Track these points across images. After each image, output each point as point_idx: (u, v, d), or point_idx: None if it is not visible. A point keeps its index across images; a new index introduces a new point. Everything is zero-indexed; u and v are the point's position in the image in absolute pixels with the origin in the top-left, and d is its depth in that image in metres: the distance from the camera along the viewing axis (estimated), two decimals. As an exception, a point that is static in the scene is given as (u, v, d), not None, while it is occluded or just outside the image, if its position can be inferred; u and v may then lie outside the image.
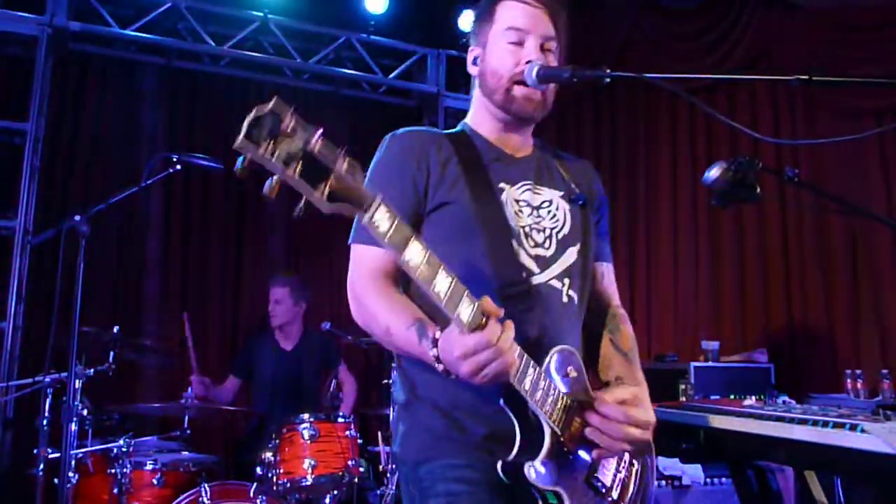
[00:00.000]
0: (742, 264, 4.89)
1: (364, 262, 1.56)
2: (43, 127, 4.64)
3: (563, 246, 1.62)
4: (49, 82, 4.70)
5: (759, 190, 1.83)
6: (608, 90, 5.56)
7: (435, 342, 1.33)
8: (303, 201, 1.11)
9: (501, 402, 1.41)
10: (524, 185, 1.65)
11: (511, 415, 1.42)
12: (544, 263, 1.59)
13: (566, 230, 1.64)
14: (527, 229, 1.59)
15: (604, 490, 1.51)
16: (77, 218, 3.06)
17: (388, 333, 1.46)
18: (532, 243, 1.59)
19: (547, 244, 1.60)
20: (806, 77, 1.38)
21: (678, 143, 5.30)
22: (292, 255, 5.45)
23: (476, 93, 1.73)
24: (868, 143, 4.40)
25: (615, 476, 1.54)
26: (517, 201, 1.61)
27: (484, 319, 1.24)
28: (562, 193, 1.69)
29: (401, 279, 1.57)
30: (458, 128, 1.75)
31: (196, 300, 5.12)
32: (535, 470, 1.38)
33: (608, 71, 1.52)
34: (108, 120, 5.06)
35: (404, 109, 6.01)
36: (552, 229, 1.63)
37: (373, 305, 1.50)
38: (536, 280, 1.56)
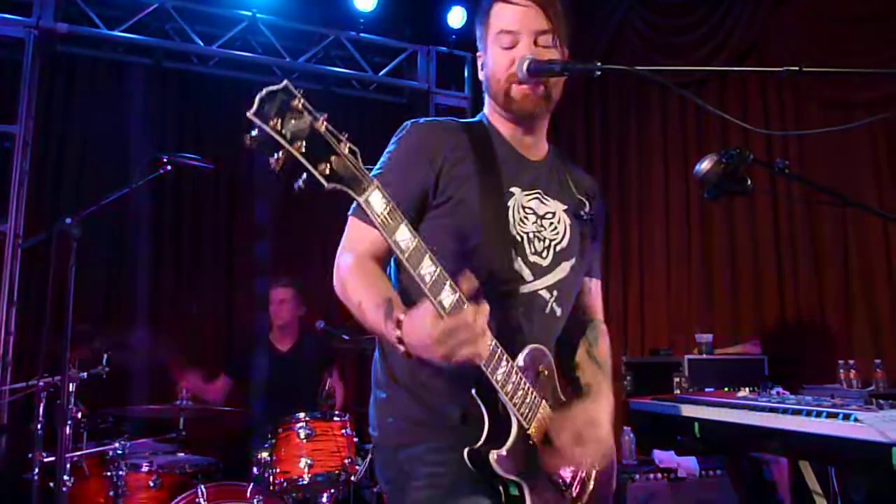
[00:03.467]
0: (734, 257, 4.90)
1: (356, 237, 1.57)
2: (31, 130, 4.62)
3: (558, 259, 1.65)
4: (37, 85, 4.66)
5: (749, 182, 1.84)
6: (599, 85, 5.57)
7: (398, 323, 1.32)
8: (304, 175, 1.16)
9: (473, 391, 1.45)
10: (534, 193, 1.66)
11: (481, 404, 1.46)
12: (539, 272, 1.61)
13: (564, 244, 1.67)
14: (529, 236, 1.61)
15: (564, 487, 1.56)
16: (68, 221, 3.05)
17: (360, 309, 1.47)
18: (532, 250, 1.61)
19: (545, 254, 1.63)
20: (796, 68, 1.38)
21: (669, 137, 5.31)
22: (284, 255, 5.43)
23: (487, 97, 1.73)
24: (858, 135, 4.41)
25: (576, 474, 1.59)
26: (524, 207, 1.63)
27: (461, 301, 1.27)
28: (566, 207, 1.70)
29: (389, 263, 1.61)
30: (477, 118, 1.74)
31: (188, 301, 5.10)
32: (498, 458, 1.42)
33: (599, 64, 1.52)
34: (98, 122, 5.03)
35: (395, 107, 6.00)
36: (552, 241, 1.65)
37: (351, 280, 1.51)
38: (527, 288, 1.59)
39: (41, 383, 3.23)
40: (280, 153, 1.13)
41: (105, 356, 3.42)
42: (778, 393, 2.39)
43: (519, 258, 1.59)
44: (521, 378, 1.46)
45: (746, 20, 4.80)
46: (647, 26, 5.25)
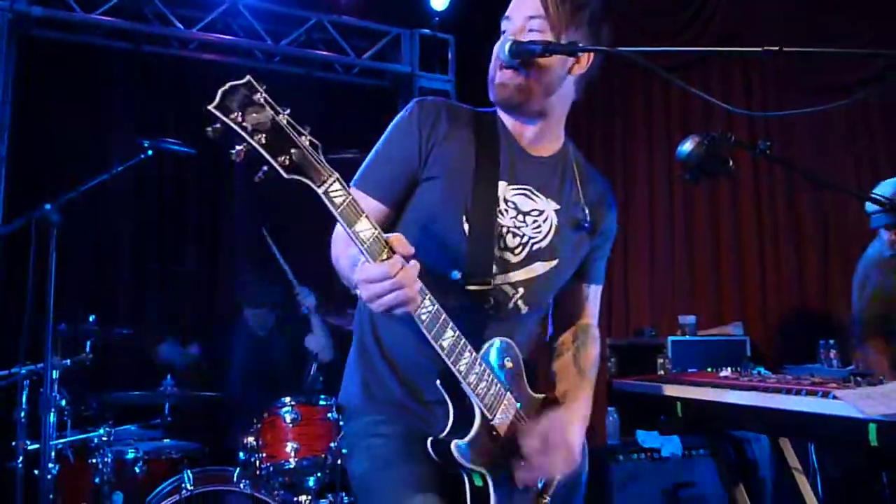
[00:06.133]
0: (717, 239, 4.95)
1: None
2: (9, 115, 4.54)
3: (532, 258, 1.62)
4: (13, 69, 4.59)
5: (731, 164, 1.85)
6: (582, 68, 5.56)
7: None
8: (264, 167, 1.21)
9: (438, 382, 1.46)
10: (523, 188, 1.63)
11: (446, 395, 1.47)
12: (504, 268, 1.59)
13: (544, 244, 1.63)
14: (504, 230, 1.59)
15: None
16: (48, 206, 3.01)
17: (339, 264, 1.53)
18: (502, 244, 1.59)
19: (518, 251, 1.61)
20: (775, 48, 1.39)
21: (652, 121, 5.33)
22: (270, 236, 5.40)
23: None
24: (836, 119, 4.45)
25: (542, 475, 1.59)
26: (506, 200, 1.61)
27: (386, 253, 1.29)
28: (559, 208, 1.66)
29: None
30: (493, 108, 1.70)
31: (171, 286, 5.07)
32: (460, 448, 1.43)
33: (580, 45, 1.52)
34: (76, 107, 4.96)
35: (378, 90, 5.96)
36: (530, 238, 1.62)
37: (335, 239, 1.57)
38: (492, 282, 1.58)
39: (23, 371, 3.20)
40: (242, 145, 1.18)
41: (88, 343, 3.40)
42: (759, 373, 2.42)
43: (495, 248, 1.58)
44: (484, 369, 1.47)
45: (728, 5, 4.81)
46: (630, 10, 5.24)
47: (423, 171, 1.59)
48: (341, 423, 3.84)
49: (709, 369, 2.54)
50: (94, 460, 3.19)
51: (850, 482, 3.28)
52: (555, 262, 1.64)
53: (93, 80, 5.04)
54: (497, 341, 1.55)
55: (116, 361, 4.48)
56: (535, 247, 1.62)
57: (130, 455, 3.30)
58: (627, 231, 5.39)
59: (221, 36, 5.25)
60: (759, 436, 3.48)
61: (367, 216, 1.28)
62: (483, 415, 1.47)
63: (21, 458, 3.09)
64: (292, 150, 1.22)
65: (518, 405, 1.55)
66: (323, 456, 3.31)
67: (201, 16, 5.13)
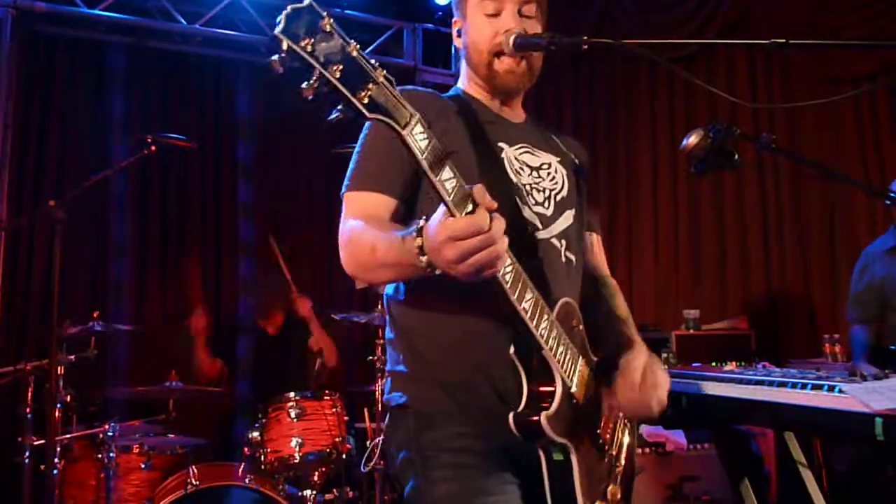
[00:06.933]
0: (721, 233, 4.93)
1: (356, 206, 1.51)
2: (11, 113, 4.54)
3: (560, 208, 1.61)
4: (16, 66, 4.59)
5: (737, 157, 1.84)
6: (587, 61, 5.54)
7: (420, 231, 1.21)
8: (341, 106, 1.07)
9: (512, 350, 1.38)
10: (522, 146, 1.64)
11: (520, 365, 1.38)
12: (546, 222, 1.57)
13: (564, 193, 1.64)
14: (528, 188, 1.58)
15: (606, 447, 1.53)
16: (51, 203, 3.02)
17: (373, 251, 1.37)
18: (533, 201, 1.57)
19: (546, 204, 1.59)
20: (783, 41, 1.38)
21: (657, 114, 5.30)
22: (273, 232, 5.40)
23: (464, 64, 1.71)
24: (844, 111, 4.43)
25: (615, 433, 1.58)
26: (516, 159, 1.60)
27: (472, 205, 1.15)
28: (559, 159, 1.68)
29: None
30: (453, 91, 1.73)
31: (175, 282, 5.07)
32: (548, 419, 1.34)
33: (586, 38, 1.51)
34: (79, 103, 4.96)
35: (382, 85, 5.94)
36: (551, 191, 1.62)
37: (360, 234, 1.42)
38: (541, 235, 1.55)
39: (29, 367, 3.22)
40: (313, 79, 1.02)
41: (93, 339, 3.41)
42: (764, 367, 2.42)
43: (526, 207, 1.55)
44: (560, 332, 1.39)
45: (733, -4, 4.78)
46: (634, 2, 5.21)
47: None
48: (358, 425, 3.94)
49: (713, 363, 2.53)
50: (99, 455, 3.19)
51: (855, 476, 3.27)
52: (574, 210, 1.65)
53: (96, 76, 5.04)
54: (564, 301, 1.46)
55: (121, 357, 4.50)
56: (559, 197, 1.62)
57: (136, 450, 3.31)
58: (631, 224, 5.37)
59: (225, 31, 5.24)
60: (765, 430, 3.48)
61: (451, 165, 1.16)
62: (564, 382, 1.38)
63: (27, 454, 3.11)
64: (370, 86, 1.07)
65: (589, 369, 1.49)
66: (328, 450, 3.32)
67: (204, 11, 5.12)
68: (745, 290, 4.77)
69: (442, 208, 1.16)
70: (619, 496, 1.53)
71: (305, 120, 5.24)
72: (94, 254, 4.89)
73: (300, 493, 3.33)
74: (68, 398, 3.24)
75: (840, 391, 1.69)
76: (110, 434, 3.19)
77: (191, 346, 4.07)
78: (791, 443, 2.46)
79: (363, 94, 1.06)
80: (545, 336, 1.34)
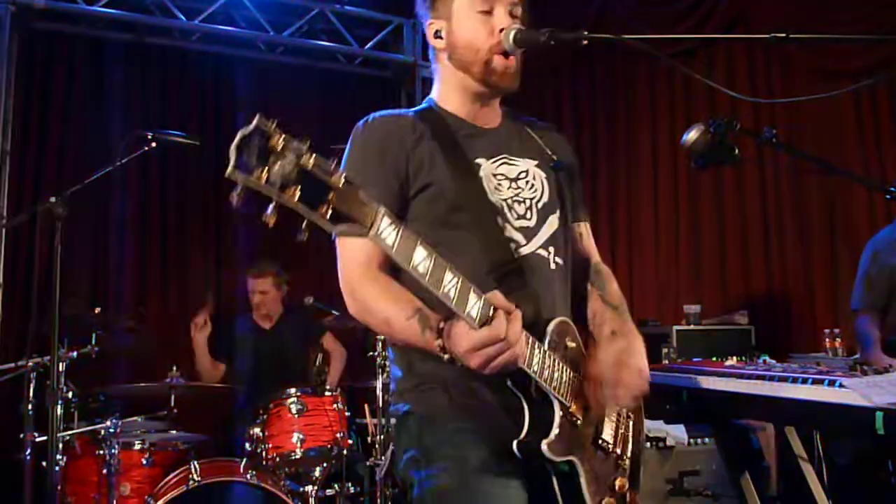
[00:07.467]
0: (721, 228, 4.94)
1: (354, 254, 1.53)
2: (11, 108, 4.54)
3: (543, 215, 1.63)
4: (15, 62, 4.58)
5: (737, 152, 1.84)
6: (586, 57, 5.53)
7: (440, 332, 1.33)
8: (305, 224, 1.05)
9: (509, 382, 1.42)
10: (500, 158, 1.63)
11: (519, 394, 1.44)
12: (530, 234, 1.59)
13: (545, 199, 1.64)
14: (509, 202, 1.59)
15: (609, 447, 1.57)
16: (52, 199, 3.01)
17: (388, 324, 1.45)
18: (515, 216, 1.59)
19: (529, 215, 1.61)
20: (783, 35, 1.37)
21: (657, 110, 5.30)
22: (272, 230, 5.39)
23: (442, 67, 1.68)
24: (844, 105, 4.42)
25: (616, 432, 1.60)
26: (495, 175, 1.60)
27: (492, 313, 1.26)
28: (537, 162, 1.68)
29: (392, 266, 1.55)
30: (425, 104, 1.71)
31: (176, 279, 5.08)
32: (549, 446, 1.41)
33: (586, 33, 1.51)
34: (79, 99, 4.96)
35: (381, 80, 5.93)
36: (531, 199, 1.62)
37: (369, 298, 1.48)
38: (525, 251, 1.57)
39: (30, 364, 3.22)
40: (272, 208, 1.02)
41: (94, 335, 3.41)
42: (765, 362, 2.42)
43: (507, 225, 1.57)
44: (553, 361, 1.45)
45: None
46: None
47: (410, 184, 1.55)
48: (360, 421, 3.94)
49: (714, 358, 2.53)
50: (101, 452, 3.19)
51: (856, 470, 3.28)
52: (558, 211, 1.66)
53: (95, 72, 5.04)
54: (557, 323, 1.51)
55: (121, 354, 4.50)
56: (540, 204, 1.63)
57: (137, 446, 3.31)
58: (632, 219, 5.37)
59: (224, 27, 5.23)
60: (765, 424, 3.48)
61: (421, 243, 1.19)
62: (561, 405, 1.45)
63: (29, 450, 3.11)
64: (331, 196, 1.05)
65: (585, 382, 1.53)
66: (329, 446, 3.33)
67: (203, 7, 5.11)
68: (746, 284, 4.77)
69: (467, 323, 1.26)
70: (626, 487, 1.58)
71: (305, 114, 5.24)
72: (95, 250, 4.89)
73: (301, 489, 3.34)
74: (69, 394, 3.24)
75: (841, 385, 1.69)
76: (112, 430, 3.19)
77: (192, 350, 4.06)
78: (791, 437, 2.47)
79: (325, 208, 1.05)
80: (537, 371, 1.40)
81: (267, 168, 1.00)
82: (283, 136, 1.01)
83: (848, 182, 4.31)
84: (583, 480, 1.46)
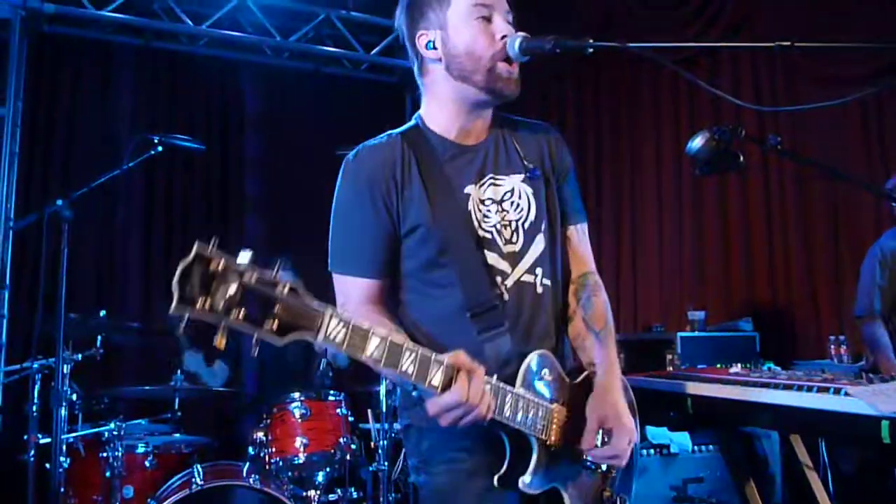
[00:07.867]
0: (726, 234, 4.92)
1: (349, 292, 1.58)
2: (20, 111, 4.57)
3: (530, 236, 1.61)
4: (25, 66, 4.61)
5: (742, 159, 1.84)
6: (590, 64, 5.54)
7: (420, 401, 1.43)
8: (255, 340, 1.09)
9: (485, 423, 1.42)
10: (486, 180, 1.61)
11: (500, 432, 1.48)
12: (515, 259, 1.59)
13: (532, 217, 1.62)
14: (497, 227, 1.58)
15: (593, 466, 1.59)
16: (59, 202, 3.03)
17: (374, 364, 1.45)
18: (503, 241, 1.58)
19: (515, 238, 1.59)
20: (788, 43, 1.37)
21: (661, 117, 5.29)
22: (278, 234, 5.42)
23: (431, 81, 1.63)
24: (850, 112, 4.41)
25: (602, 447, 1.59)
26: (483, 203, 1.59)
27: (454, 374, 1.30)
28: (522, 177, 1.64)
29: (391, 299, 1.62)
30: (413, 122, 1.68)
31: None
32: (528, 483, 1.46)
33: (591, 41, 1.51)
34: (87, 103, 4.99)
35: (386, 86, 5.95)
36: (517, 221, 1.61)
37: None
38: (510, 280, 1.57)
39: (35, 365, 3.23)
40: (220, 332, 1.06)
41: (99, 338, 3.42)
42: (769, 369, 2.41)
43: (494, 254, 1.57)
44: (528, 402, 1.46)
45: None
46: (638, 4, 5.21)
47: (400, 225, 1.56)
48: (363, 426, 3.94)
49: (718, 365, 2.52)
50: (104, 454, 3.20)
51: (861, 479, 3.26)
52: (544, 226, 1.63)
53: (103, 77, 5.07)
54: (530, 360, 1.52)
55: (127, 356, 4.52)
56: (527, 224, 1.61)
57: (141, 449, 3.32)
58: (636, 226, 5.37)
59: (231, 32, 5.26)
60: (769, 432, 3.47)
61: (374, 333, 1.24)
62: (538, 440, 1.48)
63: (33, 452, 3.12)
64: (276, 308, 1.09)
65: (565, 410, 1.54)
66: (332, 451, 3.33)
67: (210, 12, 5.14)
68: (750, 291, 4.75)
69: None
70: (611, 496, 1.62)
71: (310, 119, 5.26)
72: (102, 253, 4.91)
73: (305, 494, 3.34)
74: (74, 397, 3.25)
75: (846, 394, 1.69)
76: (115, 433, 3.20)
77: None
78: (797, 445, 2.45)
79: (271, 322, 1.09)
80: (509, 416, 1.43)
81: (209, 295, 1.03)
82: (223, 259, 1.04)
83: (852, 189, 4.29)
84: (567, 501, 1.52)
